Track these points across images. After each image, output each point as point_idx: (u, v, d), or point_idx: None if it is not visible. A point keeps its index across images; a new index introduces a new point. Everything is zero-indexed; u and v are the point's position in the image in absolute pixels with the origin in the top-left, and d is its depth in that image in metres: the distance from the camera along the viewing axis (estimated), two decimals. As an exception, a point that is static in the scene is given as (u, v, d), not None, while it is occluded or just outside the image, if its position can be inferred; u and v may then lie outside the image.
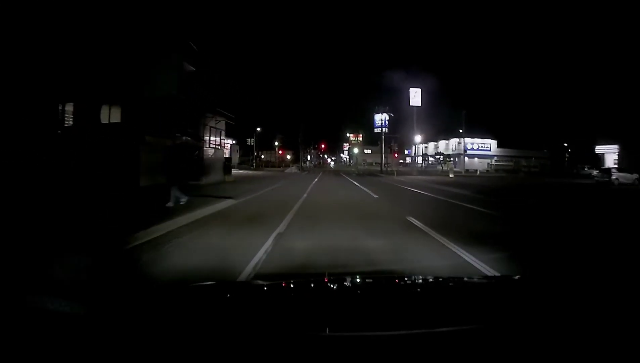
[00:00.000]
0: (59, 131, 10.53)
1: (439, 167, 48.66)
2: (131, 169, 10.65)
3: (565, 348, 0.83)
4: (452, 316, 1.00)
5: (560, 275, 2.76)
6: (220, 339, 0.84)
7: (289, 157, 67.56)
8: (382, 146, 49.08)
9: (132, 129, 11.46)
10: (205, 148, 17.35)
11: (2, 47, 8.01)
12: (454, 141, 53.02)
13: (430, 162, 58.55)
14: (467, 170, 44.20)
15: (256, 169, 44.28)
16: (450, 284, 1.68)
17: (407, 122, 47.53)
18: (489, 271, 3.45)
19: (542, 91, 56.18)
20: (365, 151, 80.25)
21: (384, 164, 45.14)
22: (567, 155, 55.66)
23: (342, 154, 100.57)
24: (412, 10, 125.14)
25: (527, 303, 1.20)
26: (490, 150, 53.44)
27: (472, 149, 50.63)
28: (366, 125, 66.65)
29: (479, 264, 3.67)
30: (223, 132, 20.92)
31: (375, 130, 53.38)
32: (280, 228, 5.54)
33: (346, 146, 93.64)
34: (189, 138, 15.26)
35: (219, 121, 19.48)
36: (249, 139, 55.49)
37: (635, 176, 23.16)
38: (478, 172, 43.19)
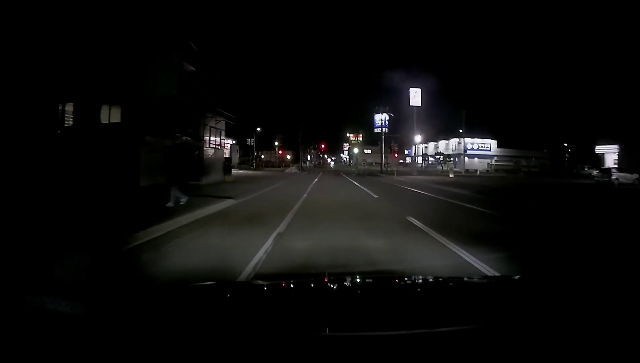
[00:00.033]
0: (59, 131, 10.52)
1: (439, 167, 48.65)
2: (131, 169, 10.64)
3: (565, 348, 0.82)
4: (452, 317, 0.99)
5: (560, 275, 2.76)
6: (221, 339, 0.84)
7: (289, 157, 67.57)
8: (382, 146, 49.06)
9: (132, 129, 11.45)
10: (205, 148, 17.33)
11: (2, 47, 8.01)
12: (454, 141, 53.02)
13: (430, 162, 58.55)
14: (467, 170, 44.20)
15: (256, 169, 44.28)
16: (450, 284, 1.68)
17: (407, 122, 47.61)
18: (489, 271, 3.45)
19: (542, 91, 56.20)
20: (365, 151, 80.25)
21: (384, 164, 45.14)
22: (567, 155, 55.66)
23: (342, 154, 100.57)
24: (412, 10, 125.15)
25: (527, 303, 1.20)
26: (490, 150, 53.45)
27: (472, 149, 50.64)
28: (366, 125, 66.74)
29: (479, 264, 3.67)
30: (223, 132, 20.91)
31: (375, 130, 53.38)
32: (280, 228, 5.54)
33: (346, 146, 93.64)
34: (188, 138, 15.23)
35: (219, 121, 19.48)
36: (249, 139, 55.50)
37: (635, 176, 23.15)
38: (478, 172, 43.20)
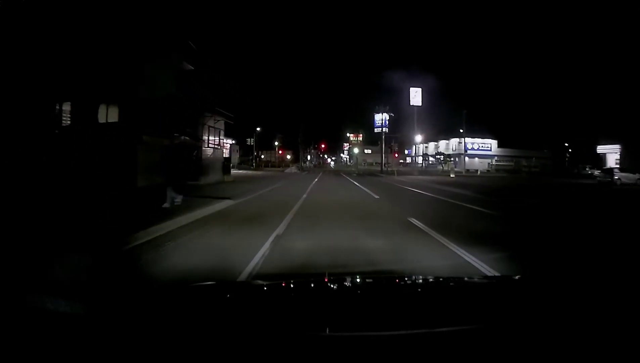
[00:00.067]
0: (57, 131, 10.50)
1: (440, 167, 48.63)
2: (128, 170, 10.56)
3: (565, 348, 0.82)
4: (452, 317, 0.99)
5: (561, 275, 2.76)
6: (221, 339, 0.84)
7: (289, 157, 67.58)
8: (382, 146, 49.03)
9: (129, 129, 11.36)
10: (204, 148, 17.21)
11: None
12: (454, 141, 52.97)
13: (430, 162, 58.52)
14: (468, 170, 44.18)
15: (256, 169, 44.28)
16: (450, 284, 1.68)
17: (408, 122, 47.63)
18: (489, 271, 3.45)
19: (543, 91, 56.12)
20: (366, 151, 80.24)
21: (384, 164, 45.15)
22: (567, 155, 55.64)
23: (342, 154, 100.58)
24: (412, 10, 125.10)
25: (527, 303, 1.20)
26: (490, 150, 53.40)
27: (472, 149, 50.60)
28: (366, 125, 66.70)
29: (479, 264, 3.67)
30: (222, 132, 20.79)
31: (376, 130, 53.36)
32: (279, 229, 5.48)
33: (346, 146, 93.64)
34: (187, 138, 15.13)
35: (218, 120, 19.34)
36: (248, 139, 55.52)
37: (637, 176, 23.00)
38: (479, 172, 43.16)
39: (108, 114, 12.16)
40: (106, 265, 3.64)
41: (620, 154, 32.94)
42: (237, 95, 22.90)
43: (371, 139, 71.78)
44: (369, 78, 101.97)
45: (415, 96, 45.66)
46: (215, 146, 19.08)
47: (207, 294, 1.34)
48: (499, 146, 53.39)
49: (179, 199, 7.38)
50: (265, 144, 61.00)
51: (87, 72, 10.42)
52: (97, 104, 11.89)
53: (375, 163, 61.83)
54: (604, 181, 23.22)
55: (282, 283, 1.66)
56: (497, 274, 3.26)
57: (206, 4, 17.53)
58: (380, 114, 50.54)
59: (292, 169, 45.94)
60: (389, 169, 41.98)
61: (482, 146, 52.79)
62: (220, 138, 20.49)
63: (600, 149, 36.49)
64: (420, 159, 58.76)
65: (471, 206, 9.16)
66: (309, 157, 79.49)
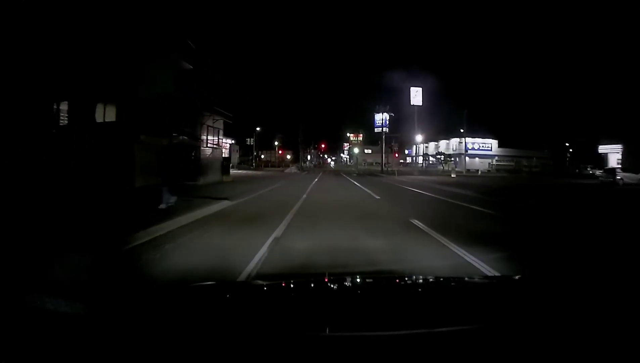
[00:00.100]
0: (54, 131, 10.47)
1: (440, 167, 48.60)
2: (126, 170, 10.45)
3: (565, 348, 0.82)
4: (452, 317, 0.99)
5: (560, 275, 2.76)
6: (221, 339, 0.84)
7: (289, 157, 67.59)
8: (382, 145, 49.01)
9: (127, 128, 11.26)
10: (202, 148, 17.09)
11: None
12: (454, 141, 52.95)
13: (430, 162, 58.50)
14: (468, 170, 44.15)
15: (256, 169, 44.28)
16: (450, 284, 1.68)
17: (408, 122, 47.57)
18: (489, 271, 3.44)
19: (544, 91, 56.14)
20: (366, 151, 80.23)
21: (385, 164, 45.14)
22: (568, 155, 55.60)
23: (342, 154, 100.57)
24: (413, 9, 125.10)
25: (527, 303, 1.20)
26: (491, 150, 53.38)
27: (473, 149, 50.57)
28: (366, 125, 66.63)
29: (480, 264, 3.66)
30: (221, 132, 20.67)
31: (376, 130, 53.33)
32: (279, 230, 5.44)
33: (346, 146, 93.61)
34: (185, 137, 14.96)
35: (217, 120, 19.19)
36: (248, 139, 55.58)
37: None
38: (479, 172, 43.12)
39: (105, 114, 12.06)
40: (106, 265, 3.64)
41: (622, 154, 32.85)
42: (236, 95, 22.90)
43: (371, 139, 71.77)
44: (369, 78, 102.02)
45: (416, 96, 45.62)
46: (214, 146, 18.97)
47: (207, 294, 1.34)
48: (499, 146, 53.39)
49: (172, 200, 7.23)
50: (265, 144, 61.07)
51: (85, 71, 10.37)
52: (95, 104, 11.81)
53: (376, 163, 61.82)
54: (606, 181, 23.15)
55: (282, 283, 1.66)
56: (497, 274, 3.26)
57: (206, 3, 17.51)
58: (381, 114, 50.52)
59: (292, 169, 45.93)
60: (389, 169, 41.96)
61: (483, 146, 52.78)
62: (219, 137, 20.40)
63: (602, 149, 36.43)
64: (420, 159, 58.74)
65: (472, 206, 9.15)
66: (309, 157, 79.49)
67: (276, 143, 62.16)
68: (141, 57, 11.79)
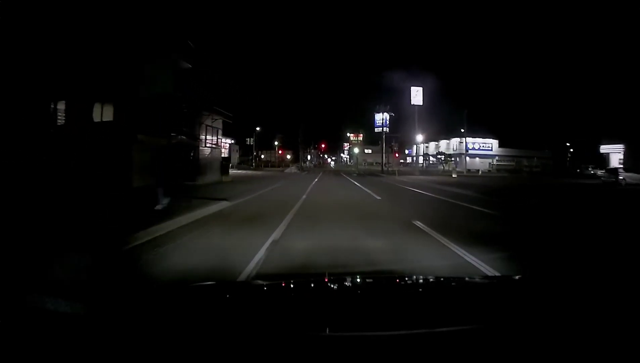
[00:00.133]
0: (52, 130, 10.45)
1: (441, 167, 48.57)
2: (124, 170, 10.37)
3: (565, 348, 0.82)
4: (452, 317, 0.99)
5: (561, 275, 2.76)
6: (221, 339, 0.84)
7: (289, 157, 67.60)
8: (382, 145, 48.99)
9: (124, 128, 11.18)
10: (201, 148, 16.99)
11: None
12: (455, 141, 52.94)
13: (431, 162, 58.47)
14: (469, 170, 44.14)
15: (255, 169, 44.26)
16: (451, 284, 1.68)
17: (408, 122, 47.49)
18: (489, 271, 3.44)
19: (544, 91, 56.14)
20: (366, 151, 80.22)
21: (385, 164, 45.12)
22: (569, 155, 55.58)
23: (342, 154, 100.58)
24: (413, 9, 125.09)
25: (527, 303, 1.20)
26: (491, 150, 53.37)
27: (473, 149, 50.56)
28: (367, 125, 66.66)
29: (480, 264, 3.66)
30: (220, 131, 20.53)
31: (376, 130, 53.32)
32: (279, 230, 5.41)
33: (346, 145, 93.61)
34: (184, 137, 14.82)
35: (216, 119, 19.00)
36: (248, 139, 55.60)
37: None
38: (480, 172, 43.11)
39: (103, 113, 11.97)
40: (106, 264, 3.65)
41: (624, 154, 32.73)
42: (236, 94, 22.86)
43: (371, 139, 71.78)
44: (369, 78, 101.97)
45: (417, 95, 45.56)
46: (213, 146, 18.87)
47: (207, 294, 1.34)
48: (500, 146, 53.39)
49: (165, 201, 7.09)
50: (265, 144, 61.07)
51: (82, 70, 10.32)
52: (92, 103, 11.73)
53: (376, 163, 61.81)
54: (608, 181, 23.08)
55: (282, 283, 1.66)
56: (497, 274, 3.25)
57: (206, 2, 17.47)
58: (381, 114, 50.52)
59: (292, 169, 45.94)
60: (389, 169, 41.96)
61: (483, 146, 52.77)
62: (218, 137, 20.31)
63: (604, 148, 36.28)
64: (421, 159, 58.72)
65: (472, 206, 9.14)
66: (309, 157, 79.49)
67: (276, 143, 62.17)
68: (139, 56, 11.64)
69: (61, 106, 11.46)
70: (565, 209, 9.83)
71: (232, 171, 23.66)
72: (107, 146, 10.43)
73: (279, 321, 0.99)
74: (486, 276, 3.04)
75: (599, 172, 27.34)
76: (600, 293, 1.28)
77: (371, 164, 68.73)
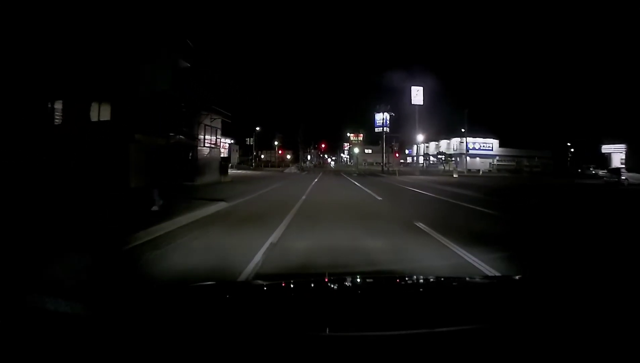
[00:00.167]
0: (50, 130, 10.41)
1: (441, 167, 48.55)
2: (121, 170, 10.28)
3: (566, 348, 0.82)
4: (453, 317, 0.99)
5: (561, 275, 2.75)
6: (221, 339, 0.84)
7: (288, 157, 67.58)
8: (383, 145, 48.99)
9: (122, 128, 11.08)
10: (200, 147, 16.85)
11: None
12: (455, 141, 52.91)
13: (431, 162, 58.43)
14: (470, 170, 44.12)
15: (255, 169, 44.24)
16: (451, 284, 1.68)
17: (408, 122, 47.52)
18: (489, 271, 3.43)
19: (545, 90, 56.14)
20: (366, 151, 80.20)
21: (385, 164, 45.10)
22: (569, 155, 55.54)
23: (342, 154, 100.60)
24: (413, 9, 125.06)
25: (527, 303, 1.20)
26: (492, 150, 53.33)
27: (474, 148, 50.52)
28: (367, 125, 66.72)
29: (480, 264, 3.65)
30: (219, 131, 20.34)
31: (376, 129, 53.34)
32: (279, 230, 5.39)
33: (346, 145, 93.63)
34: (182, 137, 14.68)
35: (215, 118, 18.69)
36: (248, 139, 55.60)
37: None
38: (481, 172, 43.09)
39: (100, 113, 11.85)
40: (106, 264, 3.65)
41: (625, 154, 32.64)
42: (236, 94, 22.80)
43: (372, 139, 71.82)
44: (369, 78, 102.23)
45: (417, 95, 45.57)
46: (212, 146, 18.70)
47: (207, 294, 1.34)
48: (500, 146, 53.35)
49: (160, 203, 6.91)
50: (265, 144, 61.09)
51: (80, 69, 10.24)
52: (89, 102, 11.63)
53: (376, 163, 61.81)
54: (610, 181, 23.02)
55: (282, 283, 1.66)
56: (497, 274, 3.25)
57: (206, 1, 17.43)
58: (381, 114, 50.57)
59: (292, 169, 45.92)
60: (390, 169, 41.94)
61: (484, 146, 52.75)
62: (217, 137, 20.16)
63: (605, 148, 36.20)
64: (421, 159, 58.72)
65: (472, 207, 9.14)
66: (309, 157, 79.46)
67: (276, 143, 62.16)
68: (137, 54, 11.54)
69: (58, 105, 11.38)
70: (566, 210, 9.82)
71: (231, 171, 23.62)
72: (105, 146, 10.35)
73: (279, 321, 0.99)
74: (486, 276, 3.04)
75: (601, 172, 27.29)
76: (600, 293, 1.28)
77: (371, 164, 68.70)
